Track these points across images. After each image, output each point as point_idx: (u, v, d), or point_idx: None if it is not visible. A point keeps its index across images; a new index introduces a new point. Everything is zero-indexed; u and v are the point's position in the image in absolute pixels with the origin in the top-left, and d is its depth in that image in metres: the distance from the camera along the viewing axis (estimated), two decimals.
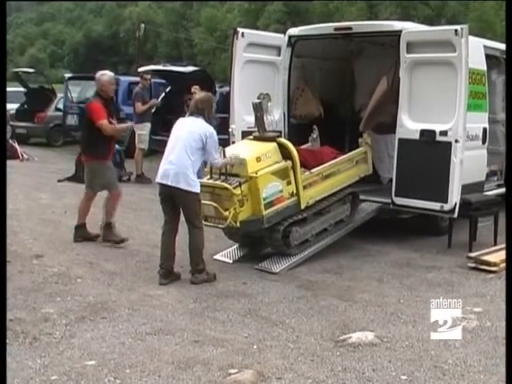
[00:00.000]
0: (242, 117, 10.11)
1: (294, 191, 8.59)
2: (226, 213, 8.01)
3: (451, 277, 8.20)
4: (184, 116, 13.13)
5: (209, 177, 8.39)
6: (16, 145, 19.54)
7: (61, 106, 21.82)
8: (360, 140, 9.90)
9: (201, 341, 5.98)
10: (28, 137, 22.83)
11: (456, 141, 8.85)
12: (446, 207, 8.96)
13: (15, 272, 7.88)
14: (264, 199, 8.23)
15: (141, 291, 7.38)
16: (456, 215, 9.01)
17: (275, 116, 10.70)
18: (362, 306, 7.04)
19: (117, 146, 15.74)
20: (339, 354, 5.76)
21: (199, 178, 7.91)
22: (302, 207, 8.72)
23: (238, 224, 8.14)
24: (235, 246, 9.06)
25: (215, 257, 8.75)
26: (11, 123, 22.49)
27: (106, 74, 9.47)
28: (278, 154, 8.54)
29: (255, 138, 8.89)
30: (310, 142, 10.01)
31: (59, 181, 15.02)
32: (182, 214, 7.86)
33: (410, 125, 9.30)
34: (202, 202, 8.11)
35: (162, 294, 7.31)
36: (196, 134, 7.63)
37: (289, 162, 8.54)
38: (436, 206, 9.03)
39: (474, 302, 7.15)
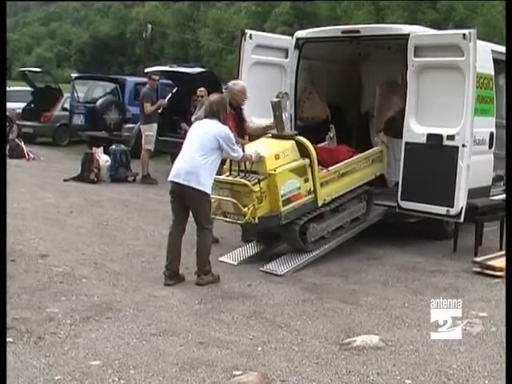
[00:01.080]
0: (249, 118, 10.10)
1: (312, 188, 8.73)
2: (245, 209, 8.14)
3: (456, 281, 8.18)
4: (190, 117, 13.23)
5: (228, 173, 8.49)
6: (22, 144, 19.54)
7: (67, 105, 21.81)
8: (376, 139, 10.16)
9: (205, 342, 5.98)
10: (34, 136, 22.84)
11: (463, 145, 8.84)
12: (452, 212, 8.94)
13: (20, 271, 7.89)
14: (282, 196, 8.35)
15: (146, 292, 7.38)
16: (462, 220, 8.99)
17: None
18: (366, 310, 7.03)
19: (122, 147, 15.85)
20: (344, 358, 5.75)
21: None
22: (319, 204, 8.85)
23: (257, 220, 8.23)
24: (240, 248, 9.07)
25: (220, 258, 8.73)
26: (17, 122, 22.57)
27: (238, 84, 9.37)
28: (296, 151, 8.65)
29: (273, 136, 8.97)
30: (326, 141, 10.10)
31: (65, 180, 15.03)
32: (190, 215, 7.86)
33: (416, 129, 9.29)
34: (221, 198, 8.30)
35: (166, 294, 7.30)
36: (211, 135, 7.67)
37: (306, 160, 8.66)
38: (442, 210, 9.01)
39: (479, 306, 7.14)
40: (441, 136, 9.01)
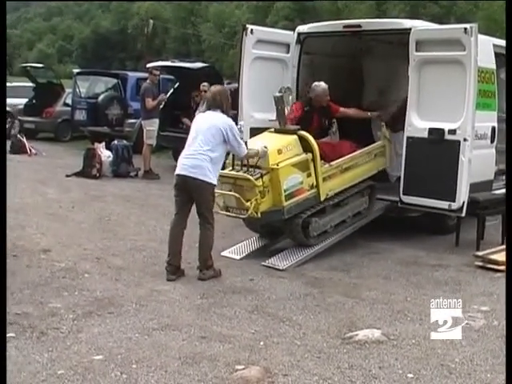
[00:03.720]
0: (250, 113, 10.12)
1: (314, 183, 8.76)
2: (248, 203, 8.17)
3: (458, 275, 8.20)
4: (192, 112, 13.21)
5: (231, 168, 8.50)
6: (24, 139, 19.55)
7: (69, 101, 21.81)
8: (379, 133, 10.13)
9: (207, 337, 5.99)
10: (36, 132, 22.84)
11: (465, 139, 8.84)
12: (454, 206, 8.94)
13: (23, 266, 7.90)
14: (285, 191, 8.38)
15: (148, 286, 7.39)
16: (464, 214, 9.00)
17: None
18: (368, 304, 7.05)
19: (124, 142, 15.86)
20: (346, 352, 5.76)
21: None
22: (322, 199, 8.89)
23: (259, 215, 8.28)
24: (242, 243, 9.07)
25: (222, 253, 8.74)
26: (19, 118, 22.60)
27: (320, 86, 9.59)
28: (298, 146, 8.67)
29: (276, 131, 9.00)
30: (329, 136, 10.08)
31: (67, 176, 15.03)
32: (193, 208, 7.85)
33: (418, 123, 9.29)
34: (224, 192, 8.33)
35: (169, 289, 7.31)
36: (215, 128, 7.65)
37: (309, 155, 8.68)
38: (444, 204, 9.02)
39: (480, 300, 7.15)
40: (442, 130, 9.01)
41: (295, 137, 8.72)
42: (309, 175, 8.69)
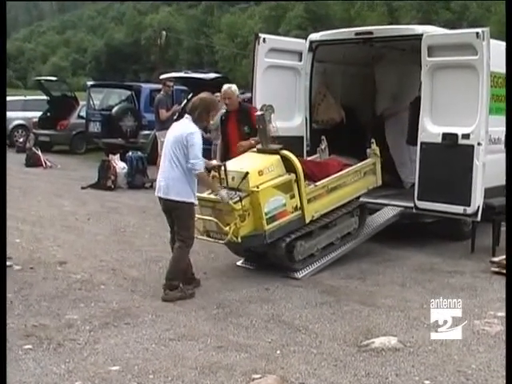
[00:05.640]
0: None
1: (298, 205, 8.31)
2: (227, 228, 7.76)
3: (474, 281, 8.16)
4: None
5: (210, 191, 8.11)
6: (39, 152, 19.68)
7: (83, 113, 21.94)
8: (368, 151, 9.53)
9: (224, 346, 5.99)
10: (51, 144, 23.01)
11: (478, 144, 8.82)
12: (469, 210, 8.92)
13: (39, 278, 7.94)
14: (266, 214, 7.97)
15: None
16: (479, 218, 8.97)
17: (297, 121, 10.74)
18: (384, 311, 7.03)
19: (139, 153, 15.92)
20: (362, 359, 5.75)
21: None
22: (307, 221, 8.44)
23: (240, 239, 7.88)
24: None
25: (238, 263, 8.75)
26: (34, 131, 22.77)
27: (231, 87, 9.50)
28: (281, 166, 8.27)
29: (259, 151, 8.63)
30: (317, 153, 9.82)
31: (82, 188, 15.11)
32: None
33: (432, 128, 9.27)
34: (204, 217, 7.98)
35: (184, 300, 7.31)
36: (178, 140, 7.32)
37: (292, 175, 8.26)
38: (459, 209, 8.99)
39: (497, 306, 7.10)
40: (456, 135, 8.99)
41: (277, 157, 8.32)
42: (292, 196, 8.23)
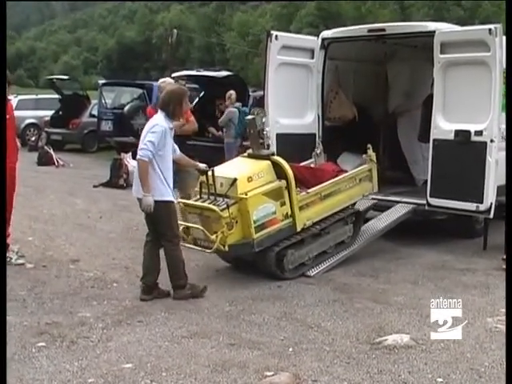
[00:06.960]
0: (275, 119, 10.10)
1: (289, 212, 8.05)
2: (213, 236, 7.56)
3: (487, 279, 8.15)
4: (217, 121, 13.18)
5: (198, 197, 8.01)
6: (51, 151, 19.74)
7: (95, 112, 21.99)
8: (364, 156, 9.28)
9: (237, 344, 5.99)
10: (63, 143, 23.08)
11: (491, 140, 8.79)
12: (482, 207, 8.90)
13: (52, 277, 7.96)
14: (255, 222, 7.72)
15: None
16: (492, 215, 8.95)
17: (309, 118, 10.72)
18: (397, 309, 7.02)
19: None
20: (375, 357, 5.74)
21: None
22: (298, 229, 8.18)
23: (227, 248, 7.66)
24: None
25: None
26: (46, 130, 22.83)
27: (166, 81, 9.49)
28: (271, 173, 8.02)
29: (249, 156, 8.41)
30: (312, 158, 9.66)
31: (94, 186, 15.15)
32: None
33: (444, 125, 9.25)
34: (188, 224, 7.85)
35: (196, 297, 7.31)
36: (145, 135, 7.08)
37: (283, 182, 8.01)
38: (471, 206, 8.97)
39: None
40: (469, 132, 8.97)
41: (268, 162, 8.07)
42: (283, 204, 7.96)
